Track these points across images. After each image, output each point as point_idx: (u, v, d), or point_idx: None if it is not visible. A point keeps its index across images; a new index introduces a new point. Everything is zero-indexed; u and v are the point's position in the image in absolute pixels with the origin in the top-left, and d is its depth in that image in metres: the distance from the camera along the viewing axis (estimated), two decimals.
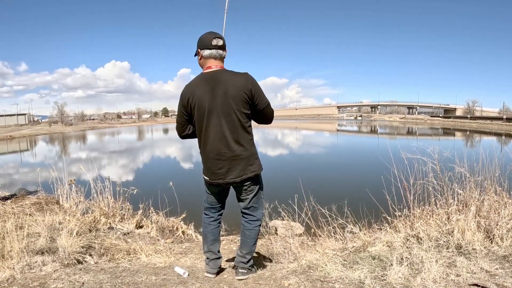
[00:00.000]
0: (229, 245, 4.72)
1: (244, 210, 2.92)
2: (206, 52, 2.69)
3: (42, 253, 3.18)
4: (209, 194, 2.95)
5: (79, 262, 3.21)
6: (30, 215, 4.48)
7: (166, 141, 35.95)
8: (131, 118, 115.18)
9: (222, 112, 2.60)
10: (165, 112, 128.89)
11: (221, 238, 4.62)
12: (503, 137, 33.47)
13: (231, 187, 2.86)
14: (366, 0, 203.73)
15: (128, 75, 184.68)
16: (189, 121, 2.81)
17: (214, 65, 2.70)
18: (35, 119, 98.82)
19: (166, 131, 57.13)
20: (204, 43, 2.69)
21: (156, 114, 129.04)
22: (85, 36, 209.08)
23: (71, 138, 45.69)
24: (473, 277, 2.41)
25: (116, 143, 36.67)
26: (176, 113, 2.90)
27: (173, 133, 3.02)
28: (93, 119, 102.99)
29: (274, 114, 2.91)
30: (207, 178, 2.80)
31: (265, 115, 2.80)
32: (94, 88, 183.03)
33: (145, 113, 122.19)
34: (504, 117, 63.88)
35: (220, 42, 2.70)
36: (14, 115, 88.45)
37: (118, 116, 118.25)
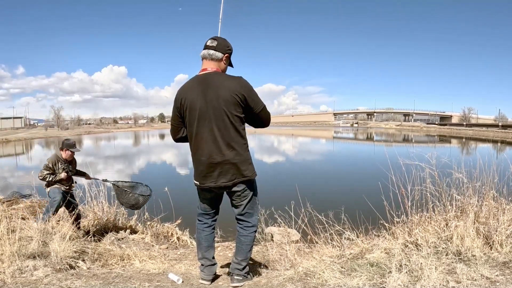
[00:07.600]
0: (224, 252, 4.66)
1: (239, 217, 2.86)
2: (201, 53, 2.71)
3: (34, 257, 3.12)
4: (202, 200, 2.91)
5: (71, 267, 3.14)
6: (23, 218, 4.42)
7: (162, 147, 35.82)
8: (128, 123, 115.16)
9: (214, 115, 2.57)
10: (162, 118, 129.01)
11: (216, 244, 4.57)
12: (499, 144, 33.61)
13: (226, 193, 2.82)
14: (363, 8, 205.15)
15: (125, 80, 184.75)
16: (183, 123, 2.77)
17: (209, 67, 2.68)
18: (31, 122, 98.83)
19: (162, 136, 56.91)
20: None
21: (152, 119, 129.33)
22: (82, 40, 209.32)
23: None
24: (473, 284, 2.38)
25: (112, 148, 36.48)
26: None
27: (169, 139, 2.99)
28: (89, 124, 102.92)
29: (271, 121, 2.88)
30: (197, 183, 2.75)
31: (261, 119, 2.76)
32: (91, 92, 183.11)
33: (142, 119, 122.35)
34: (500, 124, 64.09)
35: (214, 43, 2.68)
36: (10, 118, 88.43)
37: (115, 121, 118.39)
